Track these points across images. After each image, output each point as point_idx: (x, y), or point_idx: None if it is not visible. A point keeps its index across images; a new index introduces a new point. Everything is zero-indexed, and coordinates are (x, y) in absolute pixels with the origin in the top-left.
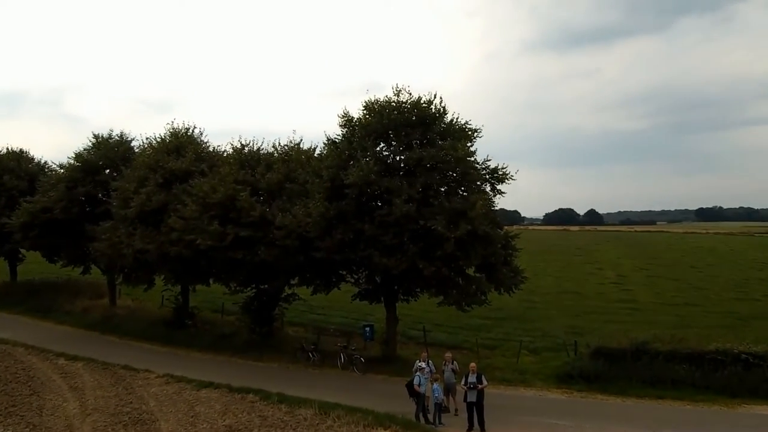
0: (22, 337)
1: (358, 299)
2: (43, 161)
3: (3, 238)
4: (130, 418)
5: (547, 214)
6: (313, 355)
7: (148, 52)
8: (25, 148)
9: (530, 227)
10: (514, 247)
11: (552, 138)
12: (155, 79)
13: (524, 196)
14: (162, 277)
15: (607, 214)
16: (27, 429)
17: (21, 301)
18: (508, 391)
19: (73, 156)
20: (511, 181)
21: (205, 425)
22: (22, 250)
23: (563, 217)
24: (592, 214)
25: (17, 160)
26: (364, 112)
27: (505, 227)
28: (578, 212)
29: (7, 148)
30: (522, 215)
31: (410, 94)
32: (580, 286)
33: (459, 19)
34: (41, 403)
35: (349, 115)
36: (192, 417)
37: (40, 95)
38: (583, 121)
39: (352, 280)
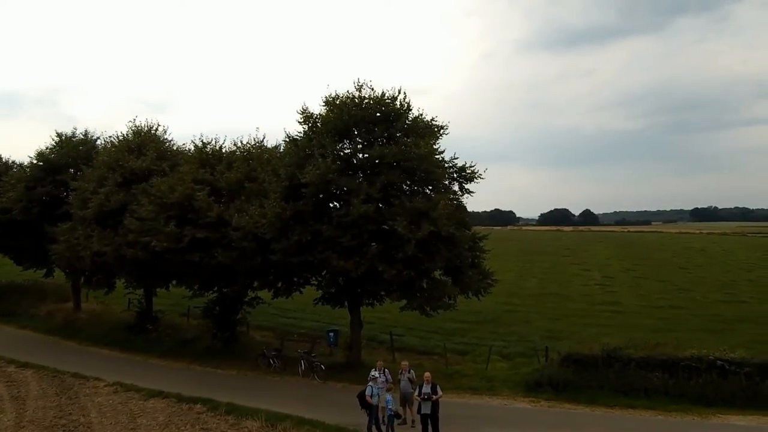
0: None
1: (321, 303)
2: (11, 160)
3: None
4: (64, 430)
5: (542, 215)
6: (274, 362)
7: (145, 52)
8: None
9: (524, 227)
10: (482, 248)
11: (549, 138)
12: (153, 80)
13: (520, 196)
14: (122, 280)
15: (603, 214)
16: None
17: None
18: (473, 399)
19: (35, 155)
20: (479, 180)
21: None
22: None
23: (558, 217)
24: (587, 214)
25: None
26: (325, 107)
27: (474, 227)
28: (573, 212)
29: None
30: (517, 215)
31: (372, 89)
32: (564, 288)
33: (457, 19)
34: None
35: (309, 111)
36: (131, 430)
37: (37, 96)
38: (580, 121)
39: (316, 283)
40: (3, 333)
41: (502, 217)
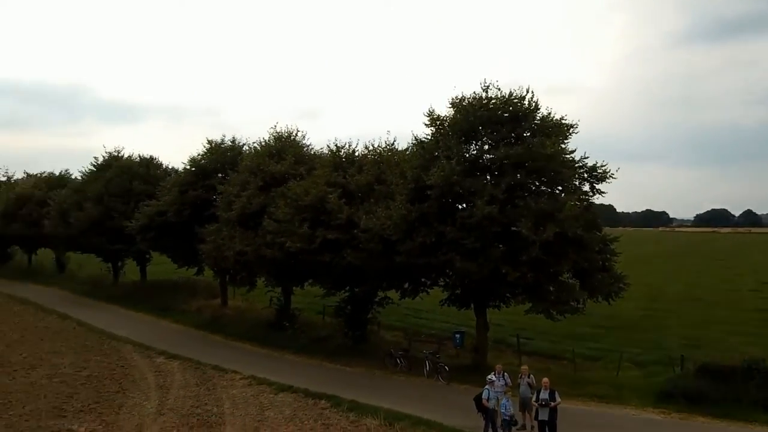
0: (135, 335)
1: (446, 304)
2: (170, 167)
3: (131, 240)
4: (198, 420)
5: (698, 215)
6: (400, 362)
7: (296, 62)
8: (154, 154)
9: (677, 229)
10: (613, 251)
11: (703, 134)
12: (305, 87)
13: (674, 195)
14: (263, 278)
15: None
16: (100, 426)
17: (146, 299)
18: (599, 408)
19: (188, 161)
20: (611, 179)
21: (267, 431)
22: (151, 251)
23: (716, 217)
24: (748, 214)
25: (146, 166)
26: (451, 109)
27: (605, 229)
28: (733, 213)
29: (139, 155)
30: (671, 216)
31: (499, 89)
32: (711, 294)
33: (600, 14)
34: (123, 401)
35: (435, 114)
36: (258, 422)
37: (201, 106)
38: (739, 115)
39: (442, 284)
40: (159, 326)
41: (654, 218)
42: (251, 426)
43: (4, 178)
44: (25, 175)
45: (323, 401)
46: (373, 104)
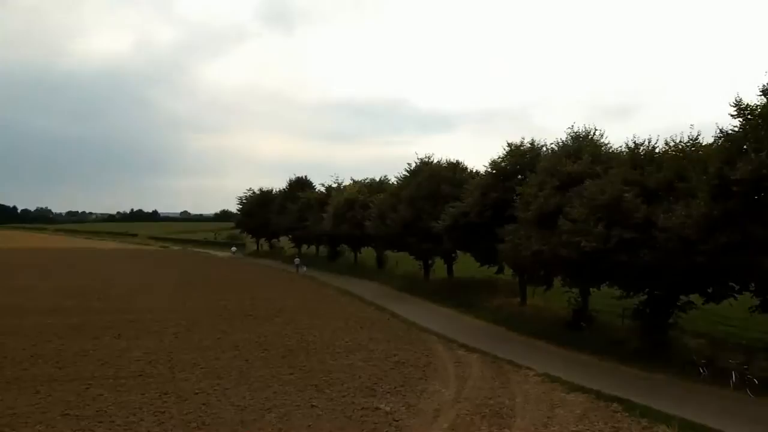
0: (440, 328)
1: (757, 311)
2: (474, 170)
3: (438, 239)
4: (490, 410)
5: None
6: (703, 371)
7: (605, 58)
8: (460, 159)
9: None
10: None
11: None
12: (613, 85)
13: None
14: (559, 278)
15: None
16: (403, 407)
17: (451, 296)
18: None
19: (489, 164)
20: None
21: (556, 428)
22: (457, 250)
23: None
24: None
25: (453, 170)
26: (762, 97)
27: None
28: None
29: (446, 160)
30: None
31: None
32: None
33: None
34: (425, 387)
35: (743, 103)
36: (548, 418)
37: (509, 112)
38: None
39: (753, 290)
40: (462, 322)
41: None
42: (541, 421)
43: (335, 184)
44: (351, 181)
45: (615, 404)
46: (678, 98)
